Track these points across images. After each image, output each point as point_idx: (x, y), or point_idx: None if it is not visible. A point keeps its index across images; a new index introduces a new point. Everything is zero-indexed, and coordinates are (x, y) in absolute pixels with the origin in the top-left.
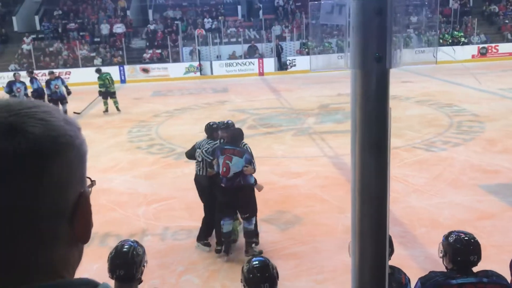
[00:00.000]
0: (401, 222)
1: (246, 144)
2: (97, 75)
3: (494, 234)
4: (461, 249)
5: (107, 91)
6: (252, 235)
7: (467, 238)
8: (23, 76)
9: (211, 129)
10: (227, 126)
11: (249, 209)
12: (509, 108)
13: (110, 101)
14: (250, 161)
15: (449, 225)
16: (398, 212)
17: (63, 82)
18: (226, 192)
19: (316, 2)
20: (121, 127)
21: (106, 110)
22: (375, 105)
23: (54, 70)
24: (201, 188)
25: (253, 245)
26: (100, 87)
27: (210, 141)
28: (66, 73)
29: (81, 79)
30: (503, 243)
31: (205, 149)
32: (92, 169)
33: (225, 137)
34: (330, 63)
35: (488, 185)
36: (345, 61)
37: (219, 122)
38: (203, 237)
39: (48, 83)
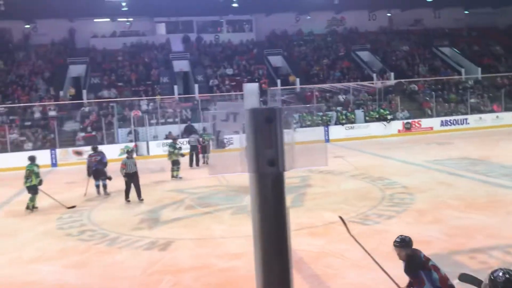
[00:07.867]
0: None
1: None
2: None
3: None
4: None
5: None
6: None
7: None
8: None
9: None
10: None
11: None
12: (435, 179)
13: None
14: None
15: None
16: None
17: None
18: None
19: (210, 111)
20: (50, 213)
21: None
22: (272, 206)
23: None
24: None
25: None
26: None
27: None
28: None
29: (10, 164)
30: None
31: None
32: (17, 260)
33: None
34: (228, 168)
35: None
36: (243, 165)
37: None
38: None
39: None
